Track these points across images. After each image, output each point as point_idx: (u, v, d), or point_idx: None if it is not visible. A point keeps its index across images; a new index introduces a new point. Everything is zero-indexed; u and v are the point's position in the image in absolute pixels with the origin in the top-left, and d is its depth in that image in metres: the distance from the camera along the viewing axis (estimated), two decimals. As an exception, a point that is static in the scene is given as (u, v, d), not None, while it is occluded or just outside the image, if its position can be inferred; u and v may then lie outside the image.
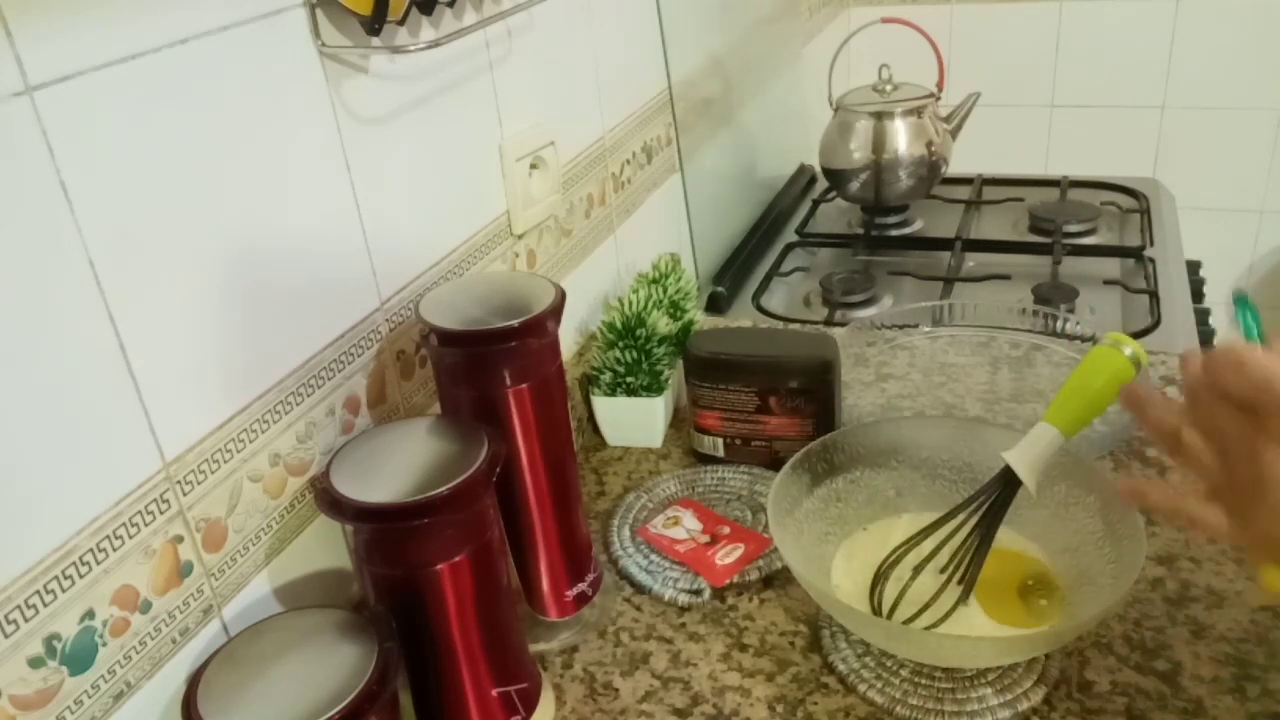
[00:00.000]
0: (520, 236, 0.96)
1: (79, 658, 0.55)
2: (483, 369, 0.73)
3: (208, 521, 0.63)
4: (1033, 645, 0.73)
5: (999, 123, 2.09)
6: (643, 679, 0.78)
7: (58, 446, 0.53)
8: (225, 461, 0.64)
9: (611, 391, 1.05)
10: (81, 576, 0.54)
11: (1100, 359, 0.71)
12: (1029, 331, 1.17)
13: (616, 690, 0.77)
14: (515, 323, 0.71)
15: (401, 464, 0.65)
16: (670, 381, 1.06)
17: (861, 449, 0.88)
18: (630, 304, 1.05)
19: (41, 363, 0.52)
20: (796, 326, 1.28)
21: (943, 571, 0.75)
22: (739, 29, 1.58)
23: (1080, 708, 0.72)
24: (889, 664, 0.76)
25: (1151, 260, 1.43)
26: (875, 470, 0.89)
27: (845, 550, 0.85)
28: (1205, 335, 1.42)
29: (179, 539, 0.61)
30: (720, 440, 1.01)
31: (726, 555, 0.87)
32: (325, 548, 0.74)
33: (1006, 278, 1.42)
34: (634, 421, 1.06)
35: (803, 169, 1.87)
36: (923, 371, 1.15)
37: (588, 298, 1.13)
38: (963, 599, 0.75)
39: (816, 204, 1.72)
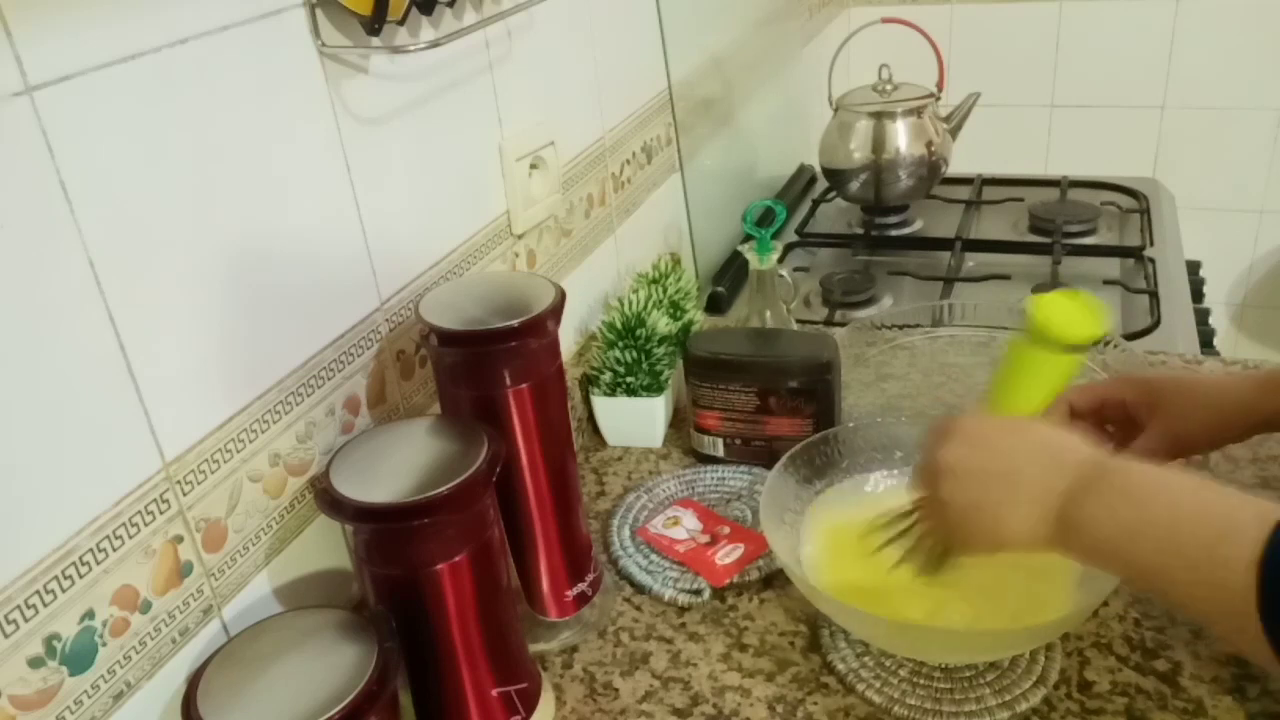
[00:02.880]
0: (520, 236, 0.96)
1: (79, 658, 0.55)
2: (483, 369, 0.73)
3: (208, 521, 0.63)
4: (1025, 640, 0.73)
5: (999, 123, 2.09)
6: (643, 679, 0.78)
7: (57, 446, 0.53)
8: (225, 461, 0.64)
9: (611, 391, 1.05)
10: (81, 576, 0.55)
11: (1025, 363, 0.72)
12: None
13: (616, 690, 0.77)
14: (515, 323, 0.71)
15: (401, 464, 0.65)
16: (670, 381, 1.06)
17: (856, 448, 0.88)
18: (630, 304, 1.05)
19: (41, 363, 0.52)
20: (796, 326, 1.28)
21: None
22: (739, 29, 1.58)
23: (1080, 708, 0.72)
24: (888, 664, 0.76)
25: (1151, 260, 1.43)
26: (873, 470, 0.89)
27: (829, 546, 0.84)
28: (1205, 335, 1.42)
29: (179, 539, 0.61)
30: (720, 440, 1.01)
31: (726, 555, 0.87)
32: (325, 548, 0.74)
33: (1006, 278, 1.42)
34: (634, 421, 1.06)
35: (803, 169, 1.87)
36: (923, 371, 1.15)
37: (588, 298, 1.13)
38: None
39: (816, 204, 1.72)
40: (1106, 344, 1.09)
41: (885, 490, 0.88)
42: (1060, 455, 0.63)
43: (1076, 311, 0.69)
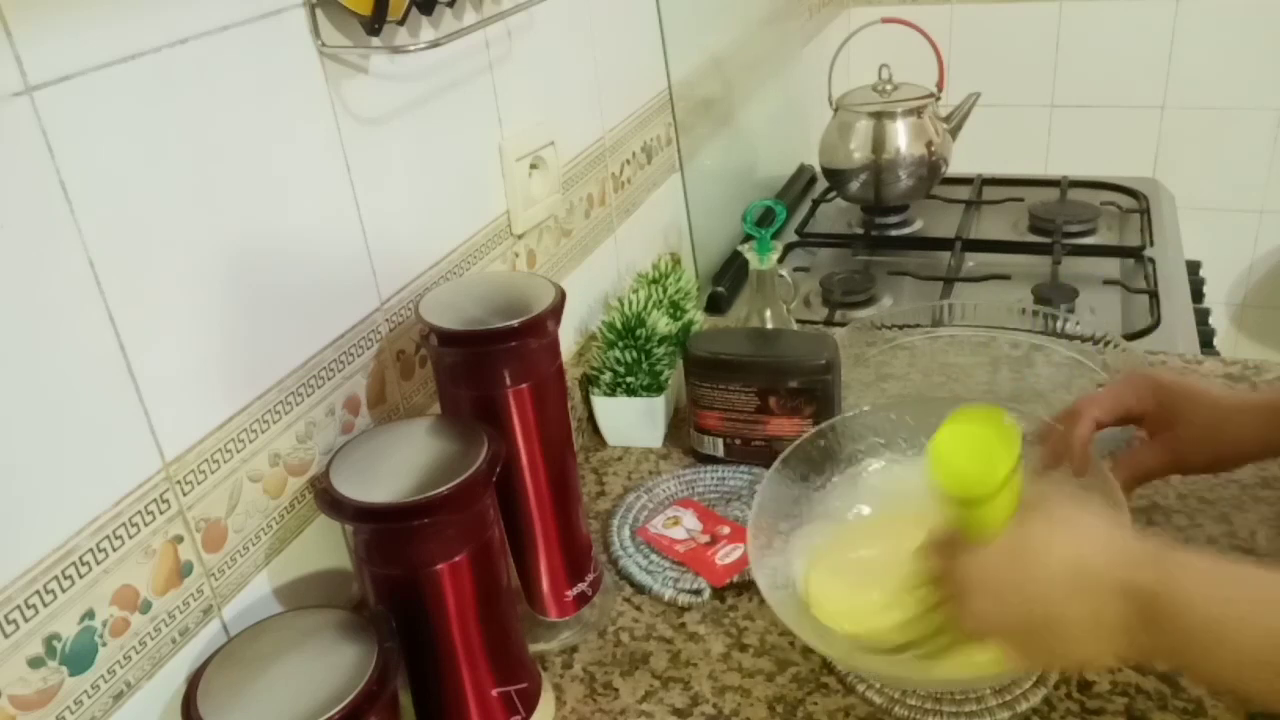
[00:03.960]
0: (520, 236, 0.96)
1: (79, 658, 0.55)
2: (483, 369, 0.73)
3: (208, 521, 0.63)
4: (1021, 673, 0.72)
5: (999, 123, 2.09)
6: (643, 679, 0.78)
7: (57, 446, 0.53)
8: (225, 461, 0.64)
9: (611, 391, 1.05)
10: (81, 576, 0.55)
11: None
12: (1029, 331, 1.17)
13: (616, 690, 0.77)
14: (515, 323, 0.71)
15: (401, 464, 0.65)
16: (670, 381, 1.06)
17: (853, 436, 0.87)
18: (630, 304, 1.05)
19: (41, 363, 0.52)
20: (796, 326, 1.28)
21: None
22: (739, 29, 1.58)
23: (1080, 708, 0.72)
24: (889, 664, 0.76)
25: (1151, 260, 1.43)
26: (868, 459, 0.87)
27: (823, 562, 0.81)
28: (1205, 335, 1.42)
29: (179, 539, 0.61)
30: (720, 440, 1.01)
31: (726, 555, 0.87)
32: (325, 548, 0.74)
33: (1006, 278, 1.42)
34: (634, 421, 1.06)
35: (803, 169, 1.87)
36: (923, 371, 1.15)
37: (588, 298, 1.13)
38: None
39: (816, 204, 1.72)
40: (1108, 344, 1.09)
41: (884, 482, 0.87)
42: (1095, 583, 0.56)
43: (973, 453, 0.59)
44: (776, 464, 0.82)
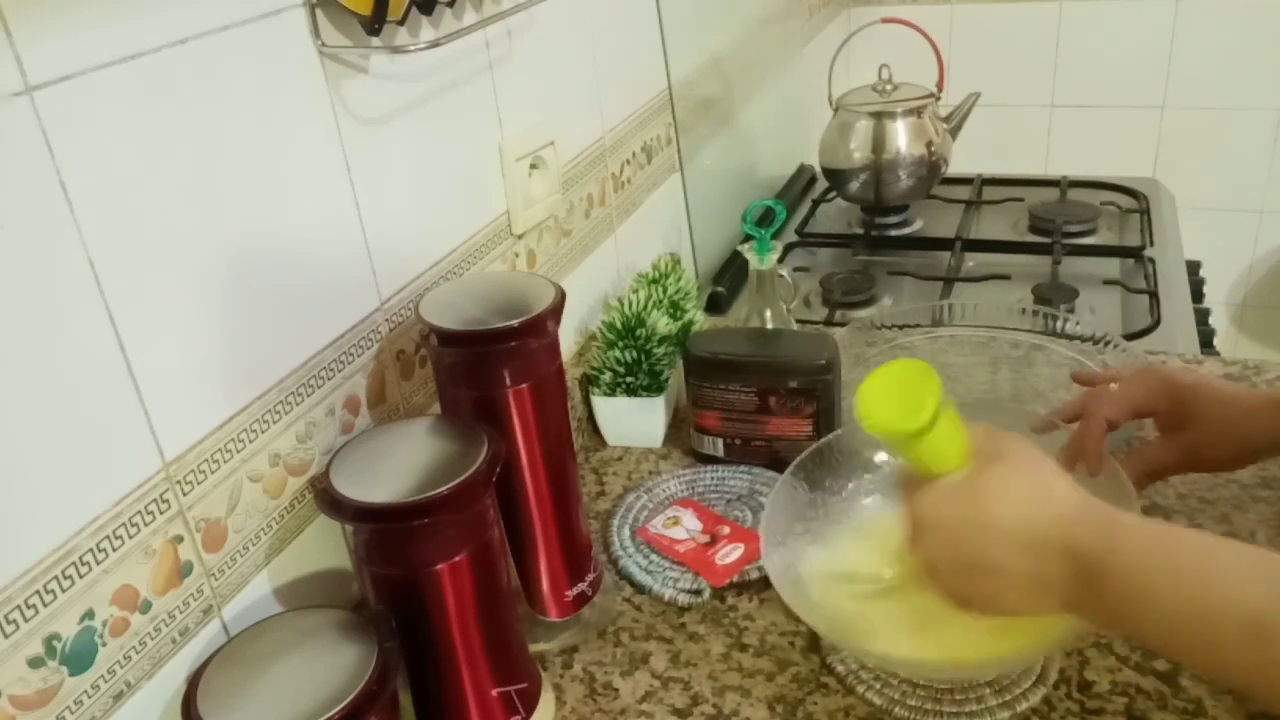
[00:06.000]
0: (520, 236, 0.96)
1: (79, 658, 0.55)
2: (483, 369, 0.73)
3: (208, 521, 0.63)
4: (1033, 657, 0.72)
5: (999, 123, 2.09)
6: (643, 679, 0.78)
7: (57, 446, 0.53)
8: (225, 461, 0.64)
9: (611, 391, 1.05)
10: (81, 576, 0.55)
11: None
12: (1029, 331, 1.17)
13: (616, 690, 0.77)
14: (515, 323, 0.71)
15: (401, 464, 0.65)
16: (670, 381, 1.06)
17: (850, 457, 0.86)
18: (630, 304, 1.05)
19: (41, 363, 0.52)
20: (796, 326, 1.28)
21: None
22: (739, 29, 1.58)
23: (1080, 708, 0.71)
24: (889, 664, 0.76)
25: (1151, 260, 1.43)
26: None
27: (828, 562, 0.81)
28: (1205, 335, 1.42)
29: (179, 539, 0.61)
30: (720, 440, 1.01)
31: (726, 555, 0.87)
32: (325, 548, 0.74)
33: (1006, 278, 1.42)
34: (634, 421, 1.06)
35: (803, 169, 1.87)
36: (922, 372, 1.15)
37: (588, 298, 1.13)
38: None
39: (816, 204, 1.72)
40: (1108, 344, 1.09)
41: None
42: (1040, 539, 0.58)
43: (895, 396, 0.62)
44: (786, 473, 0.82)
